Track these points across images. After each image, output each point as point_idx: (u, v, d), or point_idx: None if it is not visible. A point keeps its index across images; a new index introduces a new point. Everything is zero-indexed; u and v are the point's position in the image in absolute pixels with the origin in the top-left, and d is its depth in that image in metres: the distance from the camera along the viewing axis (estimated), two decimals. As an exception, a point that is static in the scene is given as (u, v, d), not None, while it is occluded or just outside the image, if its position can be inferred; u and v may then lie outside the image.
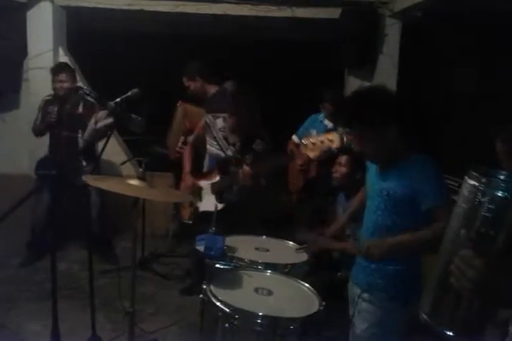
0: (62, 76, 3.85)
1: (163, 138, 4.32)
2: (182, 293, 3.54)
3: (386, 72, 4.50)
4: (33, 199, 3.89)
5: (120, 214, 4.53)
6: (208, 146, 3.16)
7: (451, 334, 0.93)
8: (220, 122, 3.13)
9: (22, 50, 4.66)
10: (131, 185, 1.89)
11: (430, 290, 0.99)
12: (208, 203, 2.95)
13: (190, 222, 3.12)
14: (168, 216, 4.59)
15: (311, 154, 2.16)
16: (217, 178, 3.02)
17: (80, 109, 3.91)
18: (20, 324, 3.07)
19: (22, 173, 4.57)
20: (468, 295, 0.88)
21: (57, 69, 3.91)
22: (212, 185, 3.03)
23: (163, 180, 4.29)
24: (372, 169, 1.93)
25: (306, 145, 2.18)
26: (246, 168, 2.74)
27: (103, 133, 3.74)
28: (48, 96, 4.02)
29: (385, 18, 4.56)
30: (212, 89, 3.81)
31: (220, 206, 2.90)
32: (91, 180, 1.99)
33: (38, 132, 3.99)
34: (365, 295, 1.84)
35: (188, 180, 3.17)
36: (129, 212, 4.72)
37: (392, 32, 4.58)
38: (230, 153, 3.04)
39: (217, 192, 2.99)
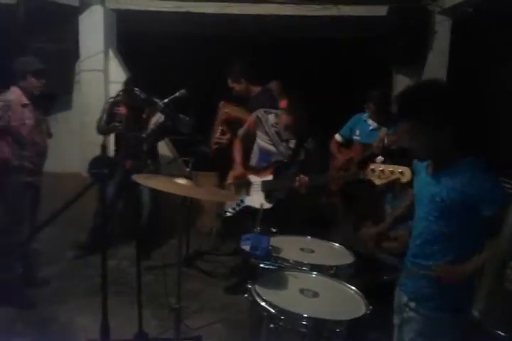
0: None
1: (208, 137, 4.38)
2: (226, 291, 3.58)
3: (435, 70, 4.37)
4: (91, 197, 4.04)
5: (167, 212, 4.65)
6: (259, 140, 3.17)
7: (503, 334, 0.90)
8: (272, 118, 3.16)
9: (74, 53, 4.84)
10: (179, 184, 1.93)
11: (484, 290, 0.95)
12: (255, 199, 2.98)
13: (229, 214, 3.14)
14: (212, 214, 4.65)
15: (377, 181, 2.18)
16: (270, 177, 3.02)
17: (146, 112, 4.03)
18: (71, 318, 3.19)
19: (73, 172, 4.76)
20: None
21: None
22: (264, 183, 3.04)
23: (207, 179, 4.35)
24: (421, 172, 1.85)
25: (373, 170, 2.18)
26: (304, 177, 2.76)
27: (160, 133, 3.93)
28: (112, 98, 4.14)
29: (435, 14, 4.45)
30: (257, 90, 3.83)
31: (267, 206, 2.95)
32: (141, 179, 2.03)
33: (103, 132, 4.13)
34: (412, 304, 1.77)
35: (238, 169, 3.19)
36: (175, 210, 4.84)
37: (442, 29, 4.46)
38: (282, 149, 3.05)
39: (268, 191, 2.99)
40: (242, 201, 3.10)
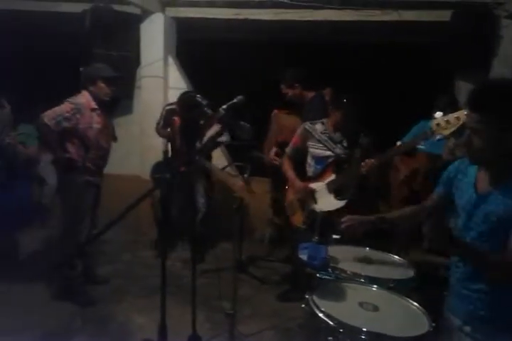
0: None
1: (261, 143, 4.40)
2: (278, 298, 3.57)
3: (501, 76, 4.18)
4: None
5: (222, 216, 4.70)
6: (313, 150, 3.16)
7: None
8: (319, 126, 3.16)
9: (136, 60, 5.01)
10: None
11: None
12: (326, 203, 2.97)
13: (304, 226, 3.08)
14: (265, 220, 4.67)
15: (446, 132, 2.14)
16: (332, 177, 3.00)
17: (201, 121, 4.10)
18: (128, 317, 3.29)
19: (133, 174, 4.92)
20: None
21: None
22: (328, 184, 3.02)
23: (260, 185, 4.36)
24: (467, 189, 1.67)
25: (438, 124, 2.15)
26: (370, 160, 2.74)
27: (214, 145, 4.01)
28: (170, 105, 4.27)
29: (501, 19, 4.27)
30: (310, 96, 3.80)
31: (342, 203, 2.95)
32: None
33: (160, 135, 4.32)
34: (467, 329, 1.63)
35: (297, 184, 3.18)
36: (229, 215, 4.88)
37: (508, 33, 4.27)
38: (338, 151, 3.03)
39: (335, 190, 2.98)
40: (312, 211, 3.04)
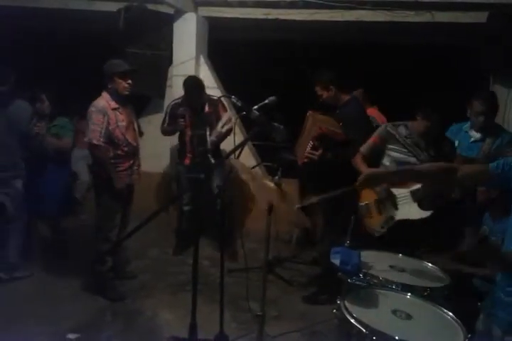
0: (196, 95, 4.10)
1: (291, 144, 4.38)
2: (305, 300, 3.56)
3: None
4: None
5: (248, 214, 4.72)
6: (394, 154, 3.09)
7: None
8: (402, 130, 3.09)
9: (168, 59, 5.06)
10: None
11: None
12: (409, 211, 2.90)
13: (384, 230, 3.00)
14: (292, 221, 4.65)
15: None
16: (418, 185, 2.89)
17: (206, 108, 4.15)
18: (156, 312, 3.34)
19: (162, 171, 4.98)
20: None
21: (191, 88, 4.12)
22: (413, 192, 2.91)
23: (289, 186, 4.35)
24: None
25: None
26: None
27: (227, 135, 4.04)
28: (176, 99, 4.29)
29: (540, 20, 4.15)
30: (345, 98, 3.77)
31: (427, 213, 2.86)
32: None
33: (166, 134, 4.35)
34: (498, 332, 1.62)
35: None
36: (255, 214, 4.87)
37: (546, 36, 4.16)
38: (423, 158, 2.97)
39: (420, 199, 2.89)
40: (391, 217, 2.98)
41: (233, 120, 4.05)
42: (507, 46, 4.15)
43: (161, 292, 3.65)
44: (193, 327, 2.20)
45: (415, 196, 2.89)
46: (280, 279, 3.92)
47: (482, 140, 3.42)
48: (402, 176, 2.10)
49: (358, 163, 3.20)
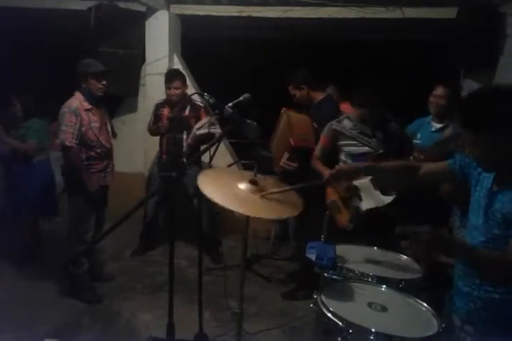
0: (177, 83, 4.07)
1: (267, 141, 4.38)
2: (284, 296, 3.58)
3: (507, 75, 4.17)
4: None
5: (223, 213, 4.69)
6: (347, 148, 3.13)
7: None
8: (347, 123, 3.12)
9: (141, 57, 5.01)
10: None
11: None
12: (374, 200, 2.94)
13: (352, 225, 3.03)
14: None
15: None
16: None
17: (187, 112, 4.12)
18: (134, 313, 3.31)
19: (137, 172, 4.92)
20: None
21: (172, 76, 4.13)
22: (373, 181, 2.94)
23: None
24: (482, 183, 1.67)
25: None
26: (419, 154, 2.77)
27: (204, 140, 3.94)
28: (160, 100, 4.29)
29: (507, 16, 4.25)
30: (319, 96, 3.77)
31: (390, 199, 2.91)
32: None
33: (152, 133, 4.32)
34: (469, 328, 1.62)
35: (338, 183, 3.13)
36: (232, 212, 4.86)
37: (515, 32, 4.26)
38: (374, 144, 3.00)
39: (381, 186, 2.92)
40: (358, 209, 3.02)
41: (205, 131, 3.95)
42: (476, 42, 4.24)
43: (139, 293, 3.62)
44: (170, 327, 2.18)
45: (376, 183, 2.94)
46: (259, 276, 3.93)
47: (442, 129, 3.48)
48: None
49: (317, 165, 3.24)
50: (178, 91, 4.07)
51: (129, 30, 4.92)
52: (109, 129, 3.58)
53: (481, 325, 1.60)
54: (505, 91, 1.52)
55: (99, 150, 3.41)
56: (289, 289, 3.62)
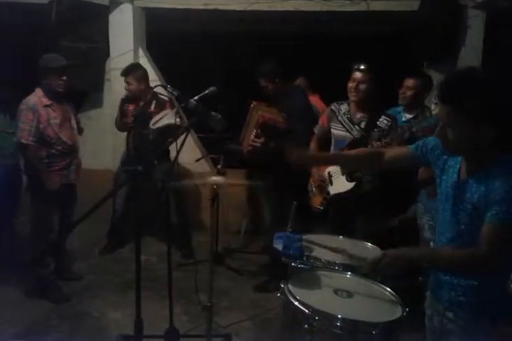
0: (130, 78, 4.00)
1: (237, 135, 4.37)
2: (255, 289, 3.59)
3: (468, 66, 4.26)
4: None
5: (194, 208, 4.68)
6: (334, 131, 3.15)
7: None
8: (344, 107, 3.14)
9: (105, 52, 4.91)
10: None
11: None
12: (339, 185, 3.00)
13: (322, 208, 3.13)
14: (241, 212, 4.67)
15: None
16: None
17: (152, 107, 4.05)
18: (104, 312, 3.27)
19: (105, 168, 4.83)
20: None
21: (126, 72, 4.04)
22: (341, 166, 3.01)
23: (236, 176, 4.35)
24: (449, 173, 1.67)
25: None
26: (375, 143, 2.78)
27: (167, 133, 3.79)
28: (125, 95, 4.21)
29: (468, 9, 4.34)
30: (289, 88, 3.78)
31: (351, 185, 2.96)
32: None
33: (119, 129, 4.25)
34: (450, 315, 1.65)
35: (313, 171, 3.22)
36: (203, 208, 4.86)
37: (476, 23, 4.36)
38: (355, 132, 3.01)
39: (349, 172, 2.98)
40: (327, 193, 3.10)
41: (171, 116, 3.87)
42: (438, 34, 4.31)
43: (108, 291, 3.56)
44: (138, 324, 2.17)
45: (343, 170, 3.02)
46: (230, 270, 3.93)
47: (413, 120, 3.54)
48: (331, 160, 2.15)
49: (311, 145, 3.30)
50: (133, 87, 4.00)
51: (92, 24, 4.82)
52: (74, 125, 3.49)
53: (461, 311, 1.63)
54: (489, 78, 1.52)
55: (59, 148, 3.33)
56: (260, 281, 3.63)
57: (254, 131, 3.55)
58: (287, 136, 3.39)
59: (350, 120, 3.06)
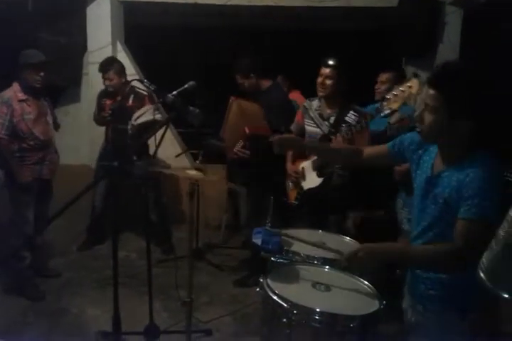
0: (110, 74, 3.95)
1: (217, 130, 4.35)
2: (236, 284, 3.59)
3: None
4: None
5: (174, 204, 4.65)
6: (306, 127, 3.17)
7: (506, 296, 0.88)
8: (316, 103, 3.16)
9: (82, 45, 4.84)
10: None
11: (492, 250, 0.92)
12: (310, 181, 3.04)
13: (296, 202, 3.16)
14: (221, 207, 4.66)
15: (394, 105, 2.24)
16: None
17: (130, 102, 4.01)
18: (82, 309, 3.23)
19: (82, 164, 4.78)
20: None
21: (104, 67, 4.00)
22: (313, 162, 3.05)
23: (216, 171, 4.33)
24: (423, 167, 1.69)
25: (389, 99, 2.27)
26: (339, 138, 2.82)
27: (147, 128, 3.76)
28: (102, 89, 4.16)
29: (446, 5, 4.39)
30: (267, 84, 3.77)
31: (320, 180, 2.99)
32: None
33: (97, 123, 4.19)
34: (419, 307, 1.69)
35: (288, 167, 3.25)
36: (183, 203, 4.84)
37: (453, 20, 4.42)
38: (324, 128, 3.03)
39: (318, 168, 3.01)
40: (301, 188, 3.13)
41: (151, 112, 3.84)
42: (417, 30, 4.36)
43: (87, 288, 3.53)
44: (116, 321, 2.16)
45: (314, 165, 3.06)
46: (210, 265, 3.92)
47: (391, 114, 3.57)
48: (310, 149, 2.17)
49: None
50: (115, 81, 3.96)
51: (70, 18, 4.75)
52: (50, 121, 3.46)
53: (429, 304, 1.66)
54: (480, 74, 1.53)
55: (32, 143, 3.31)
56: (241, 276, 3.64)
57: (241, 143, 3.54)
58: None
59: (321, 116, 3.08)
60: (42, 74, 3.25)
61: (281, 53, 5.32)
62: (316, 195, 3.05)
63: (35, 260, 3.47)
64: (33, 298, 3.30)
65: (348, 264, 1.69)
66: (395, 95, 2.24)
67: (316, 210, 3.08)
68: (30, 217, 3.33)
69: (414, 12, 4.33)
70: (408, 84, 2.21)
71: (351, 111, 2.97)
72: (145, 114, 3.77)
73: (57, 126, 3.57)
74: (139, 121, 3.79)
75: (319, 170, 3.02)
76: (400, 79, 3.62)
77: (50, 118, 3.46)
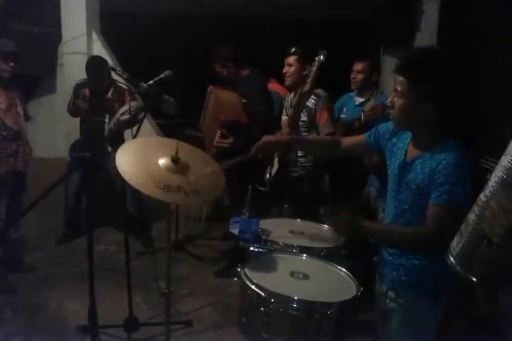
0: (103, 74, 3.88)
1: (196, 121, 4.30)
2: (216, 274, 3.59)
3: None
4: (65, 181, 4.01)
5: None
6: (282, 116, 3.26)
7: (474, 280, 0.89)
8: (291, 94, 3.22)
9: (57, 36, 4.72)
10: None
11: (461, 235, 0.93)
12: (275, 168, 3.03)
13: (262, 188, 3.05)
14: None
15: None
16: None
17: (109, 94, 3.95)
18: (61, 303, 3.18)
19: (58, 157, 4.68)
20: (498, 242, 0.82)
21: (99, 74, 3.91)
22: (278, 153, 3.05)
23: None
24: (397, 154, 1.71)
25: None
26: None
27: (127, 125, 3.76)
28: (81, 80, 4.07)
29: (422, -6, 4.40)
30: (245, 72, 3.74)
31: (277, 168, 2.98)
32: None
33: (72, 114, 4.10)
34: (391, 294, 1.70)
35: None
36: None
37: (430, 9, 4.42)
38: (290, 115, 3.08)
39: (280, 156, 3.01)
40: (270, 174, 3.06)
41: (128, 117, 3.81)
42: (394, 19, 4.36)
43: (65, 282, 3.46)
44: (92, 314, 2.15)
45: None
46: (191, 256, 3.90)
47: (365, 103, 3.59)
48: (291, 143, 2.16)
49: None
50: (103, 83, 3.91)
51: (43, 7, 4.62)
52: (20, 112, 3.39)
53: (402, 290, 1.68)
54: (448, 62, 1.55)
55: (4, 133, 3.24)
56: (221, 267, 3.63)
57: (219, 132, 3.50)
58: (252, 129, 3.36)
59: (291, 105, 3.13)
60: (12, 64, 3.18)
61: (261, 43, 5.28)
62: (279, 183, 3.03)
63: (10, 254, 3.41)
64: (2, 292, 3.23)
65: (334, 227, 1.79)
66: None
67: (288, 199, 3.11)
68: (2, 211, 3.26)
69: (391, 1, 4.33)
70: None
71: (312, 96, 3.01)
72: (128, 112, 3.72)
73: (27, 118, 3.50)
74: (124, 117, 3.72)
75: (280, 157, 3.01)
76: (376, 68, 3.66)
77: (20, 110, 3.39)
